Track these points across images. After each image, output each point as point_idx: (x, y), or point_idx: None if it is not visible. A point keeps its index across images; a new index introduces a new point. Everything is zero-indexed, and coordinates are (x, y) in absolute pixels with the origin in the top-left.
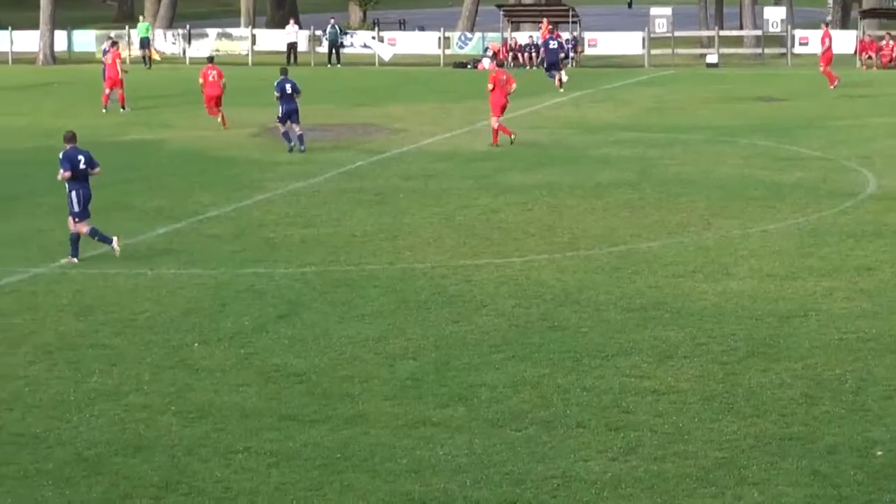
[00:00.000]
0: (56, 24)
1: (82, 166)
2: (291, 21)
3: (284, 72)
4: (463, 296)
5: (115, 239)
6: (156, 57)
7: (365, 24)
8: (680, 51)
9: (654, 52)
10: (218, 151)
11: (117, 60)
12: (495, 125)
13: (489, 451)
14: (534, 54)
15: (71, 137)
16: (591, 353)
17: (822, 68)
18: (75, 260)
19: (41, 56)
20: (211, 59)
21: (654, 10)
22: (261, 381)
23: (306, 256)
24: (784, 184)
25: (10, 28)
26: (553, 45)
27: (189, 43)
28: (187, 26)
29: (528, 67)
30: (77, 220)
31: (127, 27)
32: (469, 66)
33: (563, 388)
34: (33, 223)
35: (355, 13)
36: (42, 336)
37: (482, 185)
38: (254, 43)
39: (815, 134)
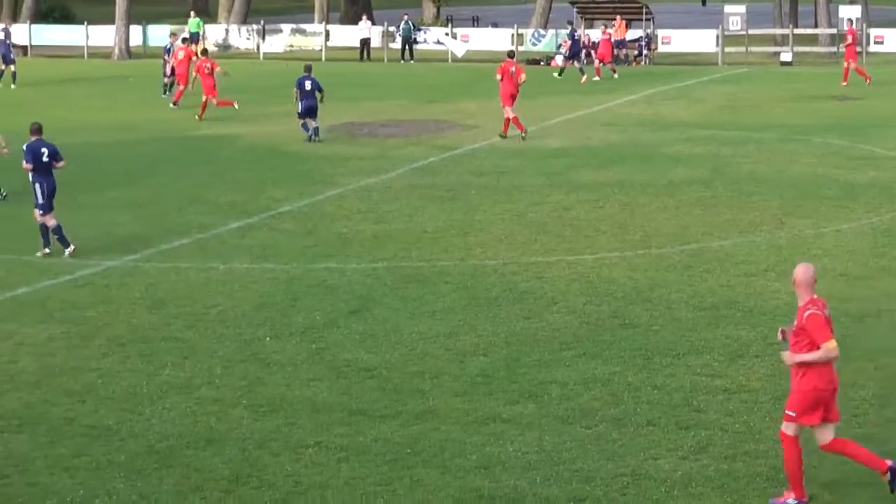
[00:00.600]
0: (131, 19)
1: (45, 159)
2: (364, 17)
3: (308, 69)
4: (534, 292)
5: (71, 248)
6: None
7: (438, 21)
8: (754, 49)
9: (727, 49)
10: (290, 147)
11: (180, 55)
12: (510, 115)
13: (559, 449)
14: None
15: (37, 130)
16: (662, 351)
17: (851, 65)
18: (48, 251)
19: (116, 51)
20: (205, 52)
21: (728, 8)
22: (332, 375)
23: (378, 252)
24: (858, 183)
25: (85, 23)
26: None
27: (263, 38)
28: (261, 22)
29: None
30: (41, 212)
31: (202, 22)
32: (542, 63)
33: (633, 386)
34: (106, 217)
35: (429, 9)
36: (115, 329)
37: (554, 182)
38: (327, 39)
39: (889, 133)
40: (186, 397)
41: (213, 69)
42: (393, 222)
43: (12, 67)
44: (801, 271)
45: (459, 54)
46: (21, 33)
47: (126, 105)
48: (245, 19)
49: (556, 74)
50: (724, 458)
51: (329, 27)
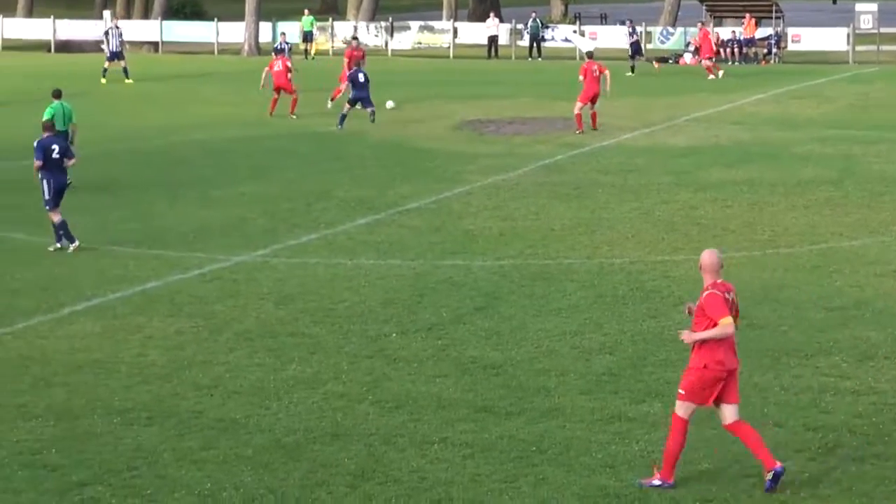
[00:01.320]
0: (261, 15)
1: (55, 155)
2: (492, 14)
3: (358, 64)
4: (660, 291)
5: (76, 244)
6: (312, 53)
7: (566, 18)
8: (885, 47)
9: (858, 48)
10: (419, 143)
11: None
12: (577, 111)
13: (685, 448)
14: (735, 50)
15: (49, 126)
16: (790, 351)
17: None
18: (77, 243)
19: (246, 47)
20: (279, 51)
21: (859, 6)
22: (457, 372)
23: (504, 249)
24: None
25: (216, 19)
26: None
27: (391, 35)
28: (390, 19)
29: (729, 63)
30: (48, 208)
31: (331, 19)
32: (670, 61)
33: (760, 387)
34: (235, 211)
35: (557, 7)
36: (243, 323)
37: (681, 181)
38: (455, 36)
39: None
40: (313, 392)
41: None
42: (520, 219)
43: (123, 62)
44: (706, 256)
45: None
46: (152, 30)
47: (256, 101)
48: (373, 16)
49: (628, 73)
50: (853, 461)
51: (457, 24)
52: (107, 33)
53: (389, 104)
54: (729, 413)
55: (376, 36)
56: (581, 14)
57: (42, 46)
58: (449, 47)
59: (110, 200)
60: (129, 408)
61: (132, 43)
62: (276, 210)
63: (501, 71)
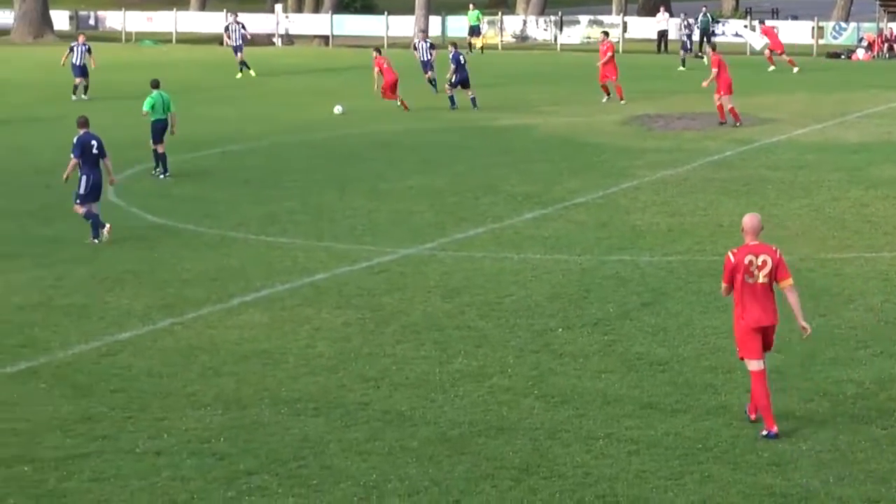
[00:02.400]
0: (431, 9)
1: (94, 151)
2: (662, 9)
3: (455, 45)
4: (830, 289)
5: (107, 227)
6: (477, 47)
7: (737, 13)
8: None
9: None
10: (586, 138)
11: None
12: (728, 105)
13: (853, 448)
14: None
15: (84, 122)
16: None
17: None
18: (108, 227)
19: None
20: (378, 50)
21: None
22: (623, 368)
23: (672, 245)
24: None
25: (386, 13)
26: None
27: (560, 30)
28: (559, 13)
29: None
30: (79, 202)
31: (500, 13)
32: (843, 57)
33: None
34: (403, 205)
35: (728, 1)
36: (410, 316)
37: (853, 178)
38: (625, 30)
39: None
40: (478, 386)
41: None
42: (687, 215)
43: (240, 55)
44: (746, 218)
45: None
46: (323, 24)
47: (426, 94)
48: (543, 10)
49: (680, 69)
50: None
51: (626, 19)
52: (227, 28)
53: (338, 109)
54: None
55: (545, 30)
56: (752, 8)
57: (214, 40)
58: (618, 42)
59: (280, 192)
60: (297, 398)
61: (303, 37)
62: (443, 203)
63: (671, 66)
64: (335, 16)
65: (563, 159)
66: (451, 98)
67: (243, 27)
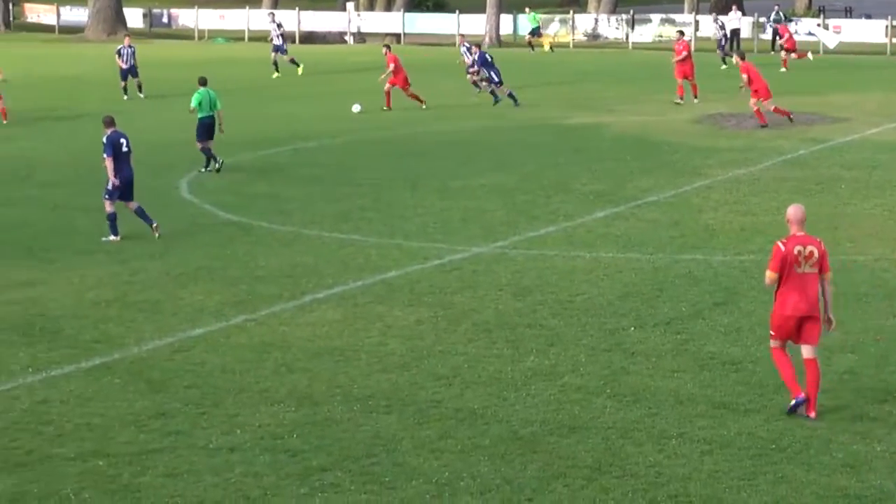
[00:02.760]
0: (502, 7)
1: (125, 149)
2: (734, 7)
3: (480, 45)
4: None
5: (113, 238)
6: (546, 48)
7: (810, 11)
8: None
9: None
10: (658, 136)
11: (683, 53)
12: (770, 106)
13: None
14: None
15: (110, 122)
16: None
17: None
18: (156, 224)
19: (487, 39)
20: (388, 46)
21: None
22: (695, 367)
23: (744, 244)
24: None
25: (457, 11)
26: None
27: (632, 28)
28: (631, 11)
29: None
30: (107, 198)
31: (571, 11)
32: None
33: None
34: (474, 203)
35: (801, 0)
36: (481, 314)
37: None
38: (696, 29)
39: None
40: (550, 384)
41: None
42: (760, 215)
43: (280, 55)
44: (791, 209)
45: (831, 46)
46: (395, 22)
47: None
48: (614, 9)
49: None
50: None
51: (699, 17)
52: (277, 28)
53: (356, 108)
54: (805, 350)
55: (617, 28)
56: (825, 7)
57: (287, 37)
58: (690, 40)
59: (352, 190)
60: (369, 395)
61: (374, 35)
62: (514, 202)
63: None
64: (407, 14)
65: (634, 158)
66: (493, 92)
67: (280, 26)
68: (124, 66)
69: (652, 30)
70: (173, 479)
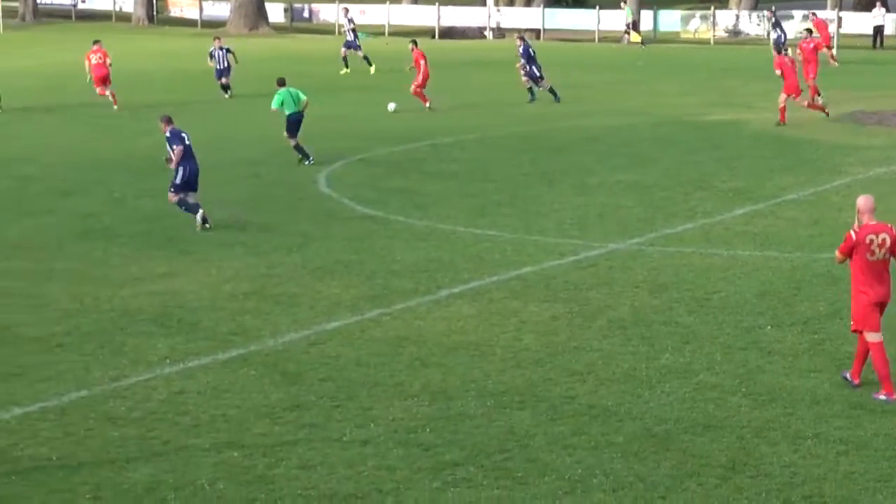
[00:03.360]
0: (642, 2)
1: (187, 142)
2: (878, 3)
3: (524, 38)
4: None
5: (200, 212)
6: (635, 39)
7: None
8: None
9: None
10: (798, 134)
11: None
12: (803, 101)
13: None
14: None
15: (168, 119)
16: None
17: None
18: (201, 212)
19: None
20: (415, 42)
21: None
22: (833, 367)
23: None
24: None
25: (597, 7)
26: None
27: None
28: (773, 8)
29: None
30: (173, 190)
31: (713, 7)
32: None
33: None
34: (611, 199)
35: None
36: (617, 311)
37: None
38: (839, 26)
39: None
40: (685, 382)
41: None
42: None
43: (360, 53)
44: (860, 199)
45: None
46: (534, 17)
47: (635, 87)
48: (756, 5)
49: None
50: None
51: (842, 14)
52: (348, 22)
53: (391, 106)
54: (874, 336)
55: (758, 25)
56: None
57: (426, 32)
58: (833, 37)
59: (489, 185)
60: (503, 391)
61: (514, 30)
62: (651, 198)
63: (886, 61)
64: (546, 9)
65: (774, 155)
66: (531, 90)
67: (351, 21)
68: (218, 68)
69: (794, 27)
70: (307, 470)
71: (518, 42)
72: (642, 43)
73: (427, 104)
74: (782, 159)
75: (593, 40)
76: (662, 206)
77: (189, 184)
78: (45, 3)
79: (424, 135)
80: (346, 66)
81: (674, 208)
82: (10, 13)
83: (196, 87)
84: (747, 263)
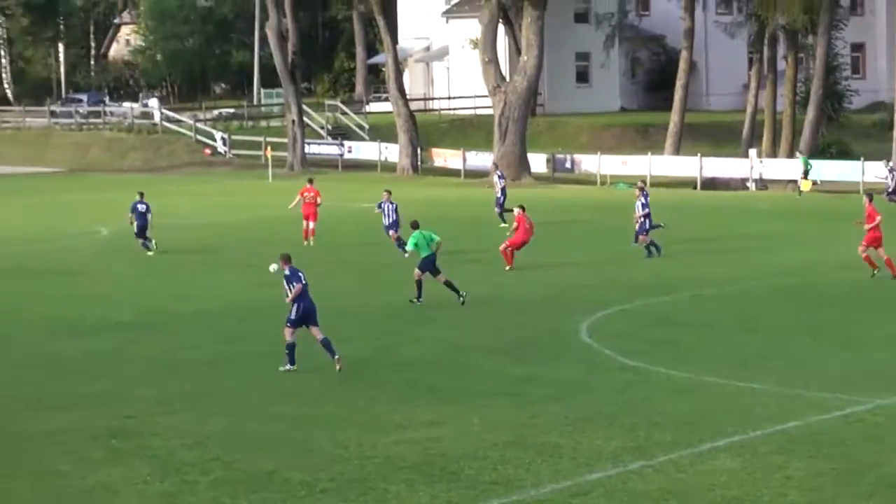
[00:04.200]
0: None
1: (304, 281)
2: None
3: (642, 188)
4: None
5: (294, 366)
6: (804, 189)
7: None
8: None
9: None
10: None
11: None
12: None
13: None
14: None
15: (287, 258)
16: None
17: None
18: (292, 367)
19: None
20: (522, 207)
21: None
22: None
23: None
24: None
25: (861, 158)
26: None
27: None
28: None
29: None
30: (289, 325)
31: None
32: None
33: None
34: (878, 353)
35: None
36: (886, 468)
37: None
38: None
39: None
40: None
41: None
42: None
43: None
44: None
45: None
46: (797, 168)
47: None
48: None
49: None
50: None
51: None
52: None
53: (272, 267)
54: None
55: None
56: None
57: (688, 183)
58: None
59: (752, 338)
60: None
61: (777, 182)
62: None
63: None
64: (810, 160)
65: None
66: (652, 246)
67: (503, 175)
68: (386, 223)
69: None
70: None
71: (636, 191)
72: (800, 192)
73: (509, 267)
74: None
75: (857, 192)
76: None
77: (304, 318)
78: (313, 154)
79: (685, 285)
80: (504, 221)
81: None
82: (279, 162)
83: (467, 235)
84: None
